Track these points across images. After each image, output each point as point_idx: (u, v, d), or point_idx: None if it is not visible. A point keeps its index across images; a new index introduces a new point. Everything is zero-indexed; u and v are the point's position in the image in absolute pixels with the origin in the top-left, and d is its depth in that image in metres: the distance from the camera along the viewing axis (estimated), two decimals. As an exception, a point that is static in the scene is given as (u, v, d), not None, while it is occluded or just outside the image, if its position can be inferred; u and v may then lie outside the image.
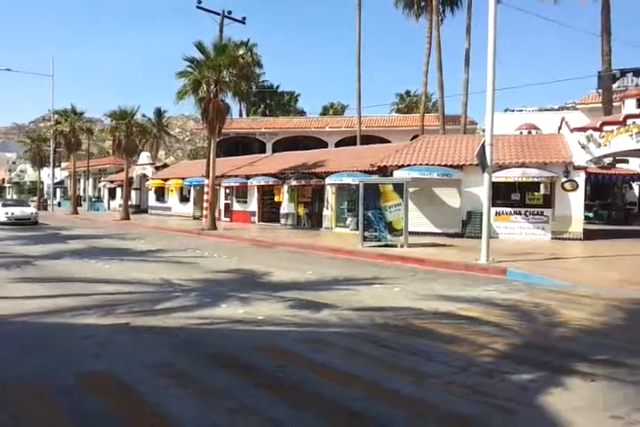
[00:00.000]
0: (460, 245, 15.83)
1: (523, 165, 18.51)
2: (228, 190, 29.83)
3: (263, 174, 26.56)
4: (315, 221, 24.06)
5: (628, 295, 8.63)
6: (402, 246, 15.14)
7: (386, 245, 15.29)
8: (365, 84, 75.94)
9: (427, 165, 19.37)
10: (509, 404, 4.20)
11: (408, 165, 19.47)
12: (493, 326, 6.62)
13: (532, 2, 27.57)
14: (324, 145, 39.40)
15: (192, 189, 32.74)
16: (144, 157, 40.07)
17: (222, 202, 29.99)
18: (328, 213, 23.20)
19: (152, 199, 38.98)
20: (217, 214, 26.26)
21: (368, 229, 15.59)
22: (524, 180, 18.39)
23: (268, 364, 5.15)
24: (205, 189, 24.95)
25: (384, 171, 20.12)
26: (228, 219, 29.60)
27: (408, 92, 57.64)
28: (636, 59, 75.74)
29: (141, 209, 39.87)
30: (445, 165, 19.18)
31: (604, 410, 4.08)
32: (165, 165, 42.14)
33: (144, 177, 39.81)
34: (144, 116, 45.74)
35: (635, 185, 29.53)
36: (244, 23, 26.24)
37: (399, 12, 34.61)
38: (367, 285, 9.65)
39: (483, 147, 12.39)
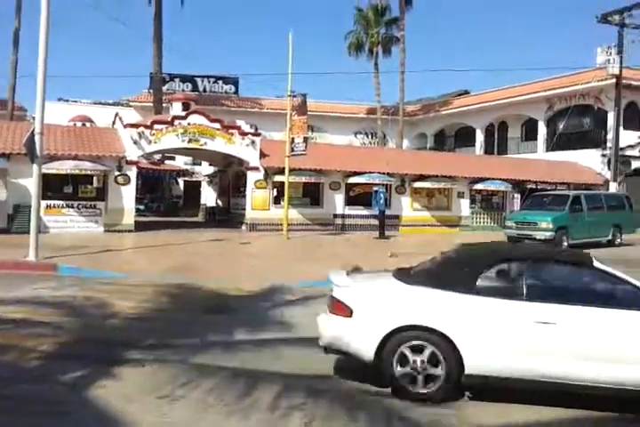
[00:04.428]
0: (6, 242, 14.36)
1: (76, 158, 18.02)
2: None
3: None
4: None
5: (173, 281, 9.38)
6: None
7: None
8: None
9: (-37, 151, 16.88)
10: (60, 407, 4.03)
11: (-62, 151, 16.59)
12: (43, 327, 6.25)
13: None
14: None
15: None
16: None
17: None
18: None
19: None
20: None
21: None
22: (77, 172, 17.96)
23: None
24: None
25: None
26: None
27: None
28: (184, 65, 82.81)
29: None
30: (-12, 153, 17.10)
31: (153, 392, 4.31)
32: None
33: None
34: None
35: (180, 180, 32.37)
36: None
37: None
38: None
39: (32, 135, 11.52)
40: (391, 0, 34.18)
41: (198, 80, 35.64)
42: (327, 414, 4.02)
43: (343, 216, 22.30)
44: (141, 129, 19.20)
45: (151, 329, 6.30)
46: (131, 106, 35.27)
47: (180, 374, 4.74)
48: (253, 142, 20.76)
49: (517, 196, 24.05)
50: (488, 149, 35.21)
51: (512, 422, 4.01)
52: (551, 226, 17.16)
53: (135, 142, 18.97)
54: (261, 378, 4.71)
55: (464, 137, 37.83)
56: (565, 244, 17.42)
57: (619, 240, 19.51)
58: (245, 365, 5.06)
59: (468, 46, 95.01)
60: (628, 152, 27.41)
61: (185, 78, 35.40)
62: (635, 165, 27.71)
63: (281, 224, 18.52)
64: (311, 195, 22.08)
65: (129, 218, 18.91)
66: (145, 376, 4.70)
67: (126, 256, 13.08)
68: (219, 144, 20.27)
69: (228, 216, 23.89)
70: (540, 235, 17.38)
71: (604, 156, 27.40)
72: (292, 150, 18.13)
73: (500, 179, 24.35)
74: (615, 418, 4.13)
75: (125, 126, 19.34)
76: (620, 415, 4.16)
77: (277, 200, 20.93)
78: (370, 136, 38.49)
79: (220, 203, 26.14)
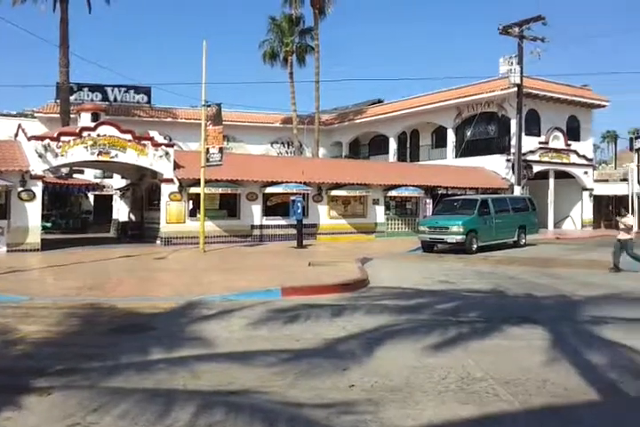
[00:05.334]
0: None
1: (-27, 173, 16.94)
2: None
3: None
4: None
5: (85, 301, 8.98)
6: None
7: None
8: None
9: None
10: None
11: None
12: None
13: None
14: None
15: None
16: None
17: None
18: None
19: None
20: None
21: None
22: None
23: None
24: None
25: None
26: None
27: None
28: (93, 74, 79.97)
29: None
30: None
31: (62, 420, 4.09)
32: None
33: None
34: None
35: (90, 195, 31.12)
36: None
37: None
38: None
39: None
40: (305, 10, 34.64)
41: (108, 90, 34.59)
42: (248, 430, 3.96)
43: (261, 227, 22.22)
44: (47, 141, 18.34)
45: (60, 354, 5.98)
46: (36, 117, 33.70)
47: (90, 399, 4.52)
48: (167, 153, 20.33)
49: (429, 201, 24.91)
50: (401, 157, 36.33)
51: (428, 423, 4.11)
52: (461, 230, 17.90)
53: (40, 156, 18.08)
54: (178, 398, 4.58)
55: (378, 145, 38.84)
56: (475, 246, 18.22)
57: (523, 241, 20.67)
58: (161, 385, 4.91)
59: (382, 55, 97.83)
60: (530, 157, 29.13)
61: (94, 88, 34.25)
62: (536, 169, 29.46)
63: (197, 237, 18.20)
64: (228, 206, 21.86)
65: (34, 236, 17.94)
66: (53, 404, 4.45)
67: (32, 277, 12.37)
68: (130, 156, 19.69)
69: (141, 231, 23.17)
70: (451, 238, 18.09)
71: (508, 161, 28.95)
72: (208, 161, 17.91)
73: (413, 185, 25.14)
74: (525, 414, 4.33)
75: (29, 139, 18.40)
76: (526, 411, 4.36)
77: (193, 213, 20.57)
78: (286, 145, 38.68)
79: (132, 217, 25.33)
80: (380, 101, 41.48)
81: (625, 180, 33.50)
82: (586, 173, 32.48)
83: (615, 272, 13.04)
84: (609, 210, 32.91)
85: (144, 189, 23.62)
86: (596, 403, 4.57)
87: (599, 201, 32.64)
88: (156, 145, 20.25)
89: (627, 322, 7.49)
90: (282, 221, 22.38)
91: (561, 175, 31.47)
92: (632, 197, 31.82)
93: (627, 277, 12.46)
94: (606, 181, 36.28)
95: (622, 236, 13.47)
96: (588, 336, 6.76)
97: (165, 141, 21.34)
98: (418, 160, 34.86)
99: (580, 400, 4.59)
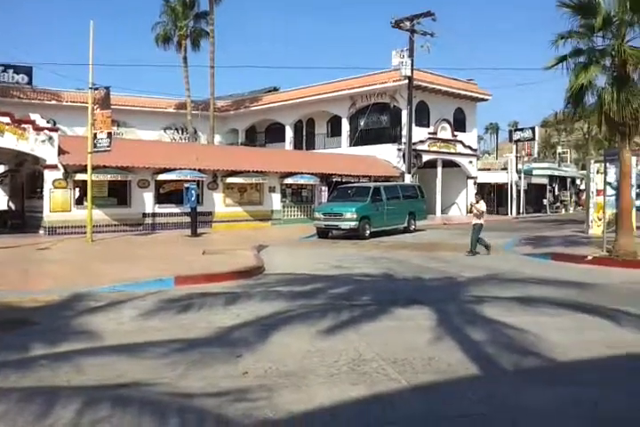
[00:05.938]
0: None
1: None
2: None
3: None
4: None
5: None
6: None
7: None
8: None
9: None
10: None
11: None
12: None
13: None
14: None
15: None
16: None
17: None
18: None
19: None
20: None
21: None
22: None
23: None
24: None
25: None
26: None
27: None
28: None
29: None
30: None
31: None
32: None
33: None
34: None
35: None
36: None
37: None
38: None
39: None
40: (200, -7, 33.59)
41: (-18, 69, 31.72)
42: (136, 423, 3.83)
43: (153, 215, 21.51)
44: None
45: None
46: None
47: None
48: (50, 138, 19.10)
49: (325, 188, 25.28)
50: (297, 145, 36.49)
51: (320, 405, 4.18)
52: (355, 216, 18.35)
53: None
54: (62, 395, 4.33)
55: (274, 133, 38.74)
56: (368, 232, 18.76)
57: (413, 227, 21.55)
58: (43, 382, 4.63)
59: (278, 43, 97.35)
60: (420, 147, 30.31)
61: None
62: (425, 158, 30.73)
63: (84, 227, 17.30)
64: (118, 194, 20.91)
65: None
66: None
67: None
68: (9, 140, 18.34)
69: (22, 220, 21.66)
70: (345, 225, 18.51)
71: (399, 150, 29.95)
72: (95, 146, 17.04)
73: (309, 173, 25.39)
74: (412, 390, 4.52)
75: None
76: (413, 388, 4.56)
77: (80, 201, 19.51)
78: (180, 131, 37.61)
79: (12, 206, 23.62)
80: (275, 89, 41.28)
81: (505, 169, 35.82)
82: (471, 162, 34.36)
83: (486, 254, 14.19)
84: (491, 197, 35.01)
85: (25, 175, 22.07)
86: (476, 377, 4.87)
87: (482, 188, 34.65)
88: (38, 129, 18.96)
89: (504, 301, 8.03)
90: (175, 209, 21.79)
91: (448, 164, 33.05)
92: (511, 184, 34.15)
93: (506, 259, 13.38)
94: (488, 169, 38.54)
95: (475, 221, 14.63)
96: (470, 315, 7.17)
97: (49, 125, 20.06)
98: (314, 148, 35.17)
99: (462, 375, 4.87)
